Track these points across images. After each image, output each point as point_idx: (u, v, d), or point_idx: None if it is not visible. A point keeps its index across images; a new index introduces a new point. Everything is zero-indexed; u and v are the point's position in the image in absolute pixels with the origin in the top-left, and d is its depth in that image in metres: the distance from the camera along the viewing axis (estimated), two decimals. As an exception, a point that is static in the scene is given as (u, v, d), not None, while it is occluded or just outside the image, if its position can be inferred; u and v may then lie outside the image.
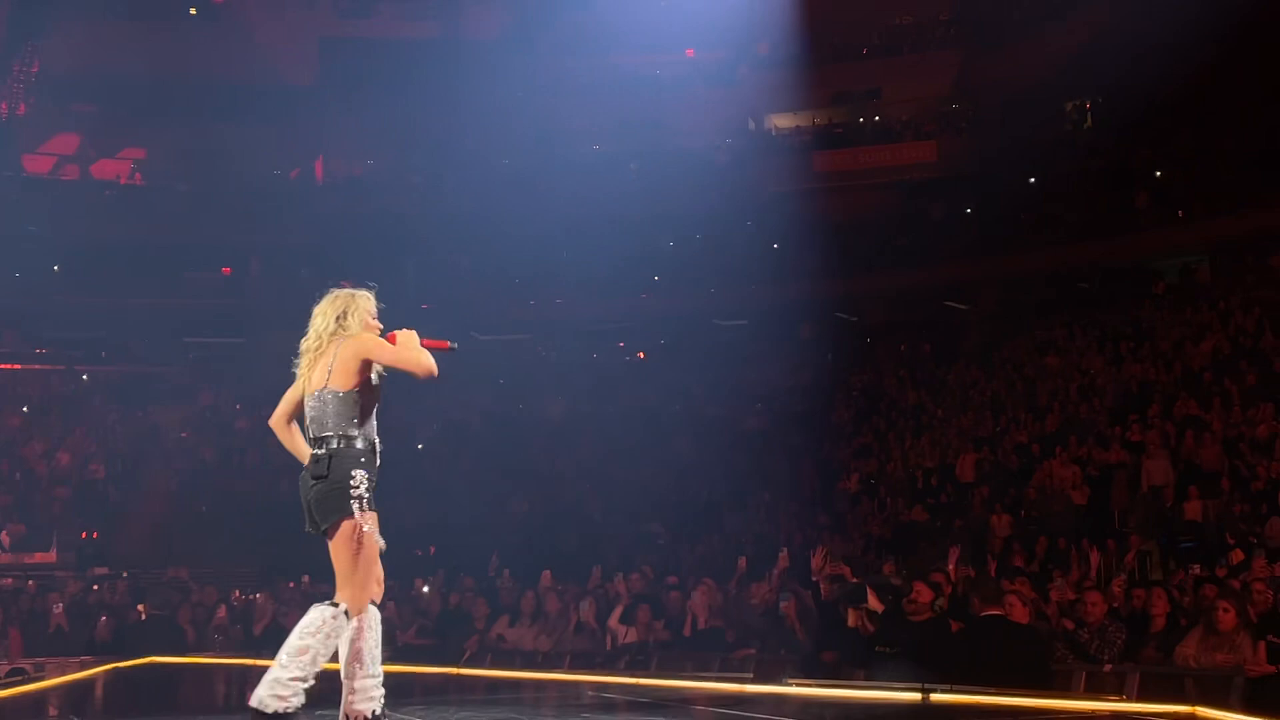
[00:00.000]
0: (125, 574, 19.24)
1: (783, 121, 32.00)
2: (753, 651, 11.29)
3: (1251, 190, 24.41)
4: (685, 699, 8.31)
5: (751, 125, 32.09)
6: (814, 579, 11.87)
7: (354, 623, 5.29)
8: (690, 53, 31.45)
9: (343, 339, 5.46)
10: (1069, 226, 27.47)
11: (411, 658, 11.96)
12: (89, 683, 10.78)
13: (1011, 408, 21.44)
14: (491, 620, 13.85)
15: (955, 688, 7.26)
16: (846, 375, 26.35)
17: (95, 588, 17.31)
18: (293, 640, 5.21)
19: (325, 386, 5.40)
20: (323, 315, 5.56)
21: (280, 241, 29.44)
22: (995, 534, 16.56)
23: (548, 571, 14.65)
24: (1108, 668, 8.94)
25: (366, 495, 5.31)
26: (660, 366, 28.68)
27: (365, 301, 5.62)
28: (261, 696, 5.10)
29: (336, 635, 5.26)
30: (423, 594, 15.42)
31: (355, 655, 5.31)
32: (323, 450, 5.36)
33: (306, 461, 5.48)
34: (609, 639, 12.58)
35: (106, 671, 11.62)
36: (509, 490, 22.96)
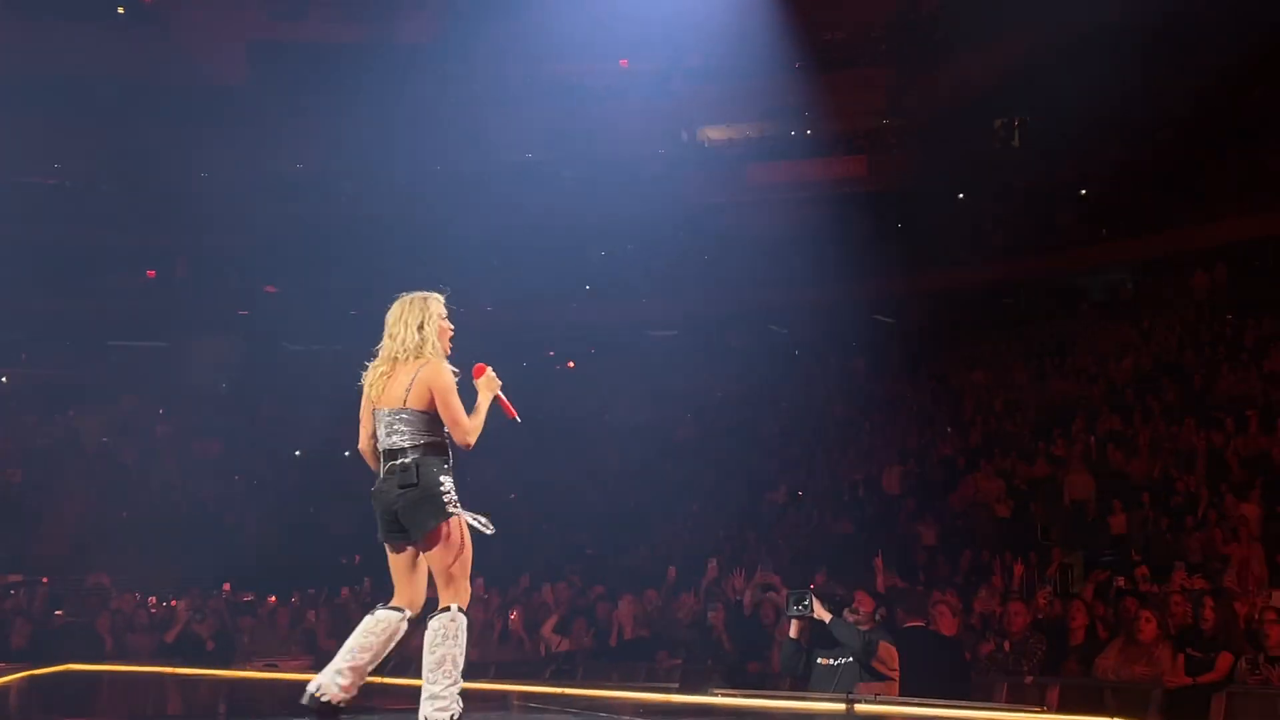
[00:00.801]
0: (44, 580, 18.86)
1: (715, 133, 32.08)
2: (679, 661, 11.28)
3: (1174, 210, 24.85)
4: (610, 709, 8.28)
5: (684, 136, 32.13)
6: (735, 598, 11.89)
7: (434, 626, 5.49)
8: (624, 63, 31.41)
9: (422, 364, 5.49)
10: (996, 243, 27.79)
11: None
12: (4, 690, 10.55)
13: (937, 421, 21.62)
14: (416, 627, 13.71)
15: (879, 698, 7.30)
16: (775, 387, 26.46)
17: (12, 593, 16.96)
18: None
19: (405, 405, 5.48)
20: (403, 325, 5.57)
21: (206, 244, 29.08)
22: (920, 546, 16.67)
23: (480, 580, 14.54)
24: (1029, 679, 9.03)
25: (455, 500, 5.51)
26: (590, 375, 28.63)
27: (437, 305, 5.66)
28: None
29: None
30: (349, 602, 15.25)
31: (439, 662, 5.45)
32: (408, 459, 5.48)
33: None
34: (541, 648, 12.51)
35: (22, 679, 11.38)
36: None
